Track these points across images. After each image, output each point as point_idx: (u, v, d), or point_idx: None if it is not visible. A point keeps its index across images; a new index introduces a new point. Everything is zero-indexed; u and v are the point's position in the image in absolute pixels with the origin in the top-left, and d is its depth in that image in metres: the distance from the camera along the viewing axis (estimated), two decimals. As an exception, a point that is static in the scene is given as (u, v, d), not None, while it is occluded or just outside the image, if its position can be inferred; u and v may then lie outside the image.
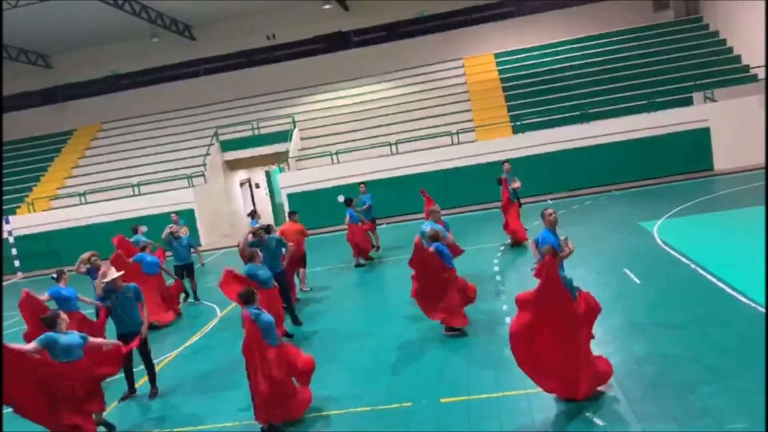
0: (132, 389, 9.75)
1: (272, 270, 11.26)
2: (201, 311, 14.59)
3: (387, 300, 13.36)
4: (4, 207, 27.96)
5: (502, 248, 16.15)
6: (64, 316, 7.82)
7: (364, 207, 17.39)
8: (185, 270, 15.04)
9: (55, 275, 11.01)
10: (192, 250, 15.32)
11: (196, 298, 15.42)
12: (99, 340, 8.33)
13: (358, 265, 16.77)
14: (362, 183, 18.81)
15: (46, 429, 7.56)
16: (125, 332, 9.26)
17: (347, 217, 16.56)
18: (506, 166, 16.86)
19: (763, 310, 9.01)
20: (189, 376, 10.41)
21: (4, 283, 24.59)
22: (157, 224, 19.74)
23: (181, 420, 8.64)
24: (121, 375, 9.53)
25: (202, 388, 9.71)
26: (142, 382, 10.14)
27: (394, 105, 29.50)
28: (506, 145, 24.17)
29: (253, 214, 17.19)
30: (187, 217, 24.92)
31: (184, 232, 15.38)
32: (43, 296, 10.58)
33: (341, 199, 19.41)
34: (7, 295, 22.05)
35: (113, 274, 9.30)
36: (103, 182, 28.79)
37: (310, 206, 24.48)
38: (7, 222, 25.62)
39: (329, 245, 20.07)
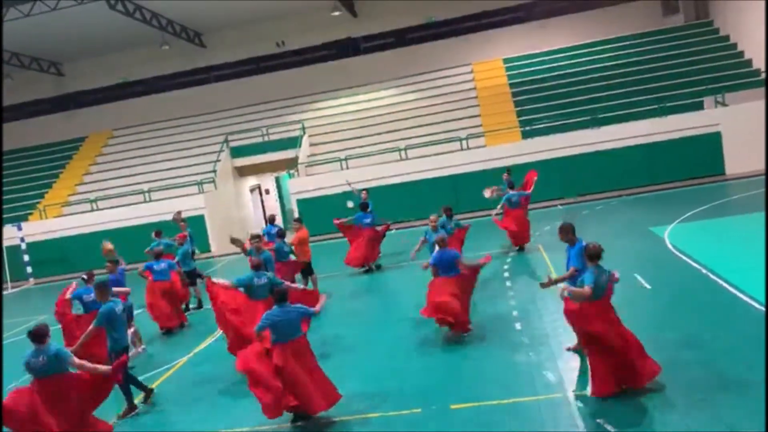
0: (132, 405, 9.27)
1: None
2: (210, 316, 14.60)
3: (396, 305, 13.33)
4: (18, 213, 28.16)
5: (512, 253, 16.11)
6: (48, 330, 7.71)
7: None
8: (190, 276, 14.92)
9: (85, 276, 11.25)
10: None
11: (200, 305, 15.36)
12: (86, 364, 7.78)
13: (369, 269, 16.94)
14: (365, 189, 18.78)
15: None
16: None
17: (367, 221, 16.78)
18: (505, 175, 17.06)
19: (774, 314, 8.94)
20: (199, 380, 10.42)
21: (17, 289, 24.78)
22: (167, 231, 19.75)
23: (191, 425, 8.64)
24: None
25: (213, 393, 9.71)
26: (153, 386, 10.17)
27: (403, 111, 29.52)
28: (515, 150, 24.14)
29: (273, 220, 17.12)
30: (198, 222, 25.04)
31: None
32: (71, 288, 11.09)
33: (351, 205, 19.42)
34: (19, 301, 22.21)
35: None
36: (113, 189, 28.95)
37: (320, 212, 24.51)
38: (20, 228, 25.79)
39: (337, 251, 20.03)
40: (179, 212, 18.62)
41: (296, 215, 23.65)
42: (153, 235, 17.01)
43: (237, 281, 10.24)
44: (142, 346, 12.36)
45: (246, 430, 8.22)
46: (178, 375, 10.93)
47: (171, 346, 12.67)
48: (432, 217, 12.81)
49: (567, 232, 8.61)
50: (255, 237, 12.25)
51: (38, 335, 7.50)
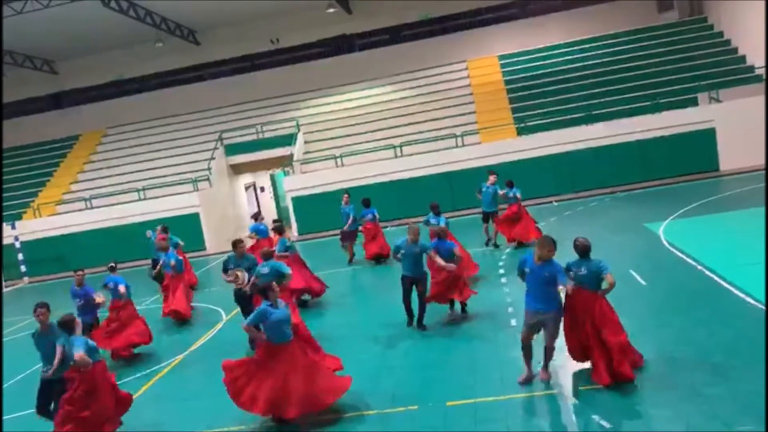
0: None
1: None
2: (207, 314, 14.60)
3: (392, 302, 13.30)
4: (11, 212, 28.05)
5: (507, 251, 16.12)
6: (78, 321, 8.18)
7: (349, 221, 17.34)
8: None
9: (113, 264, 12.60)
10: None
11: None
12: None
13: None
14: (346, 192, 18.53)
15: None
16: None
17: (370, 216, 17.05)
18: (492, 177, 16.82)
19: (770, 310, 8.97)
20: (196, 379, 10.42)
21: (10, 289, 24.69)
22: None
23: (187, 424, 8.63)
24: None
25: (209, 392, 9.69)
26: (141, 392, 10.16)
27: (398, 108, 29.49)
28: (511, 147, 24.15)
29: (257, 217, 17.21)
30: (193, 221, 25.01)
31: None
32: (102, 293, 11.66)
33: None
34: (13, 300, 22.13)
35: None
36: (108, 187, 28.84)
37: (315, 209, 24.56)
38: (14, 227, 25.69)
39: (333, 249, 20.04)
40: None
41: (275, 217, 23.51)
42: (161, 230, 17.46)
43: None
44: None
45: (243, 428, 8.21)
46: (175, 372, 10.91)
47: (167, 343, 12.64)
48: (413, 228, 11.08)
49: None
50: (238, 242, 11.53)
51: (66, 324, 7.98)
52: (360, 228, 17.57)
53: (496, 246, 16.61)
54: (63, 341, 8.13)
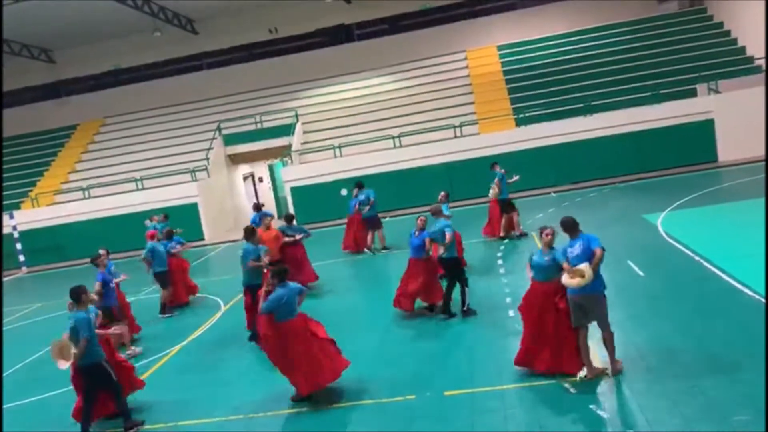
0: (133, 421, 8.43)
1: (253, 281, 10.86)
2: (205, 305, 14.62)
3: (389, 293, 13.32)
4: (9, 202, 28.01)
5: (506, 241, 16.13)
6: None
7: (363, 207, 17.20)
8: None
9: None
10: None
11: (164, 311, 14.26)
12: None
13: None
14: (358, 182, 18.24)
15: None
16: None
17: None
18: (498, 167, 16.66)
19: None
20: (193, 369, 10.43)
21: (9, 278, 24.69)
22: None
23: (185, 413, 8.64)
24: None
25: (207, 382, 9.72)
26: (147, 374, 10.18)
27: (397, 98, 29.42)
28: (509, 138, 24.11)
29: (258, 208, 17.18)
30: (191, 211, 24.99)
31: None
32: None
33: (344, 192, 19.45)
34: (12, 290, 22.14)
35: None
36: (106, 177, 28.80)
37: (313, 200, 24.56)
38: (12, 217, 25.66)
39: (331, 239, 20.04)
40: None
41: (290, 203, 23.57)
42: (162, 217, 17.81)
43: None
44: (134, 349, 11.63)
45: (240, 416, 8.23)
46: (173, 362, 10.93)
47: (165, 334, 12.65)
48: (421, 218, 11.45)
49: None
50: (254, 231, 11.54)
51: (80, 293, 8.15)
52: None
53: (524, 234, 16.32)
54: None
